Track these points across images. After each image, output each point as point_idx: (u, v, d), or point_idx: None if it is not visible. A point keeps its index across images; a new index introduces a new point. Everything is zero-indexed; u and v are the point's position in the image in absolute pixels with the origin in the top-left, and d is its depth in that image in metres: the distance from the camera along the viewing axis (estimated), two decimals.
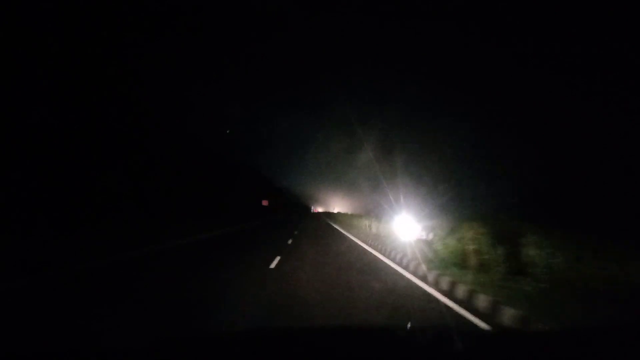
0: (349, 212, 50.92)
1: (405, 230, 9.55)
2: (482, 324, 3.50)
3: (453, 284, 4.94)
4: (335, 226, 24.75)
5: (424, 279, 5.76)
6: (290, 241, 12.31)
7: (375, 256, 8.69)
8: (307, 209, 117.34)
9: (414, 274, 6.21)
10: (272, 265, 6.92)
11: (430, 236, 8.06)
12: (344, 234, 16.81)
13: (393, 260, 7.77)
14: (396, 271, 6.58)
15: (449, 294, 4.76)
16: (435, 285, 5.31)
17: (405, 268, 6.81)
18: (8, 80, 11.01)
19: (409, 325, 3.01)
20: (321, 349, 1.38)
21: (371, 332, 1.79)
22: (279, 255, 8.22)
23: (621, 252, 4.43)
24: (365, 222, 17.77)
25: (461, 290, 4.62)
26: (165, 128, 23.39)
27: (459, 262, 6.05)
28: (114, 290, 5.01)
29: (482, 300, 4.06)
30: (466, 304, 4.24)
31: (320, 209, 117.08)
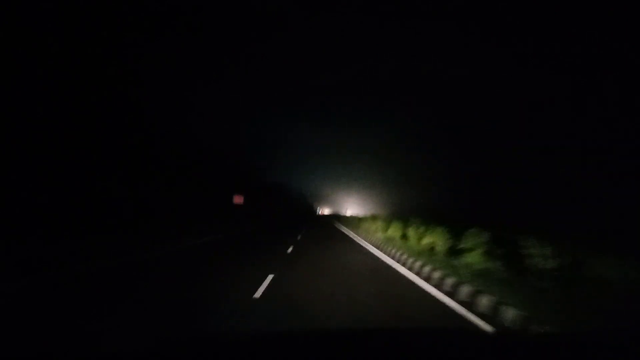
0: (370, 214, 30.65)
1: None
2: (486, 325, 3.48)
3: None
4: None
5: None
6: None
7: None
8: (311, 210, 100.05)
9: None
10: None
11: None
12: None
13: None
14: None
15: None
16: None
17: None
18: (8, 81, 10.98)
19: (409, 327, 3.00)
20: (321, 352, 1.37)
21: (371, 334, 1.78)
22: None
23: None
24: None
25: None
26: (166, 129, 23.36)
27: None
28: (111, 293, 5.00)
29: None
30: None
31: (327, 211, 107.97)
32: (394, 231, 13.72)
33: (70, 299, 4.56)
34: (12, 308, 4.08)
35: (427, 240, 9.80)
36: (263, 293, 5.01)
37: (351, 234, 18.44)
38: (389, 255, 10.05)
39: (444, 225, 9.40)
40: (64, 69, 13.39)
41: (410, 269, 7.84)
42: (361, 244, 13.83)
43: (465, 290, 5.44)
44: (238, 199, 33.06)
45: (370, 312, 4.33)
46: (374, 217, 23.11)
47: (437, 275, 6.62)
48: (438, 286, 5.98)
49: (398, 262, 8.92)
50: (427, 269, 7.28)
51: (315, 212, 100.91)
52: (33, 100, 11.83)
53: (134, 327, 3.54)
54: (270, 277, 6.02)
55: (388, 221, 16.07)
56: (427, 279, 6.64)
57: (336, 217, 51.65)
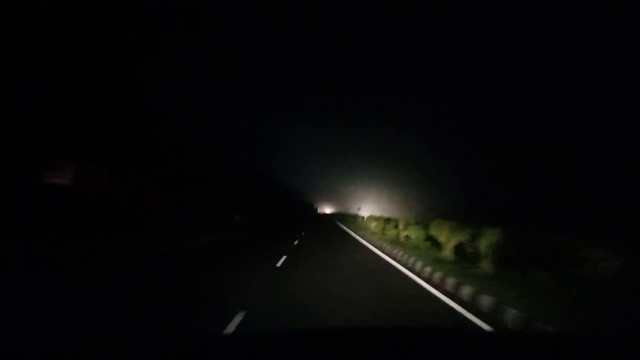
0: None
1: None
2: (485, 325, 3.49)
3: None
4: None
5: None
6: None
7: None
8: (311, 209, 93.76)
9: None
10: None
11: None
12: None
13: None
14: None
15: None
16: None
17: None
18: (13, 81, 11.00)
19: (410, 326, 3.00)
20: (322, 352, 1.38)
21: (373, 334, 1.78)
22: None
23: None
24: None
25: None
26: (168, 128, 23.41)
27: None
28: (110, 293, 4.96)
29: None
30: None
31: (328, 210, 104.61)
32: None
33: (77, 298, 4.55)
34: (13, 308, 4.09)
35: None
36: None
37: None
38: None
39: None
40: (71, 71, 13.45)
41: None
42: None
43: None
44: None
45: None
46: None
47: None
48: None
49: None
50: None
51: (315, 211, 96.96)
52: (36, 101, 11.85)
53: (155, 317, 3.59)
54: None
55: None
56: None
57: (340, 217, 41.59)
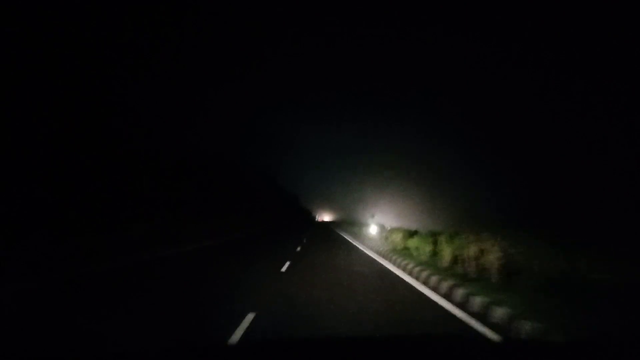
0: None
1: None
2: (491, 333, 3.44)
3: None
4: None
5: None
6: None
7: None
8: (309, 215, 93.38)
9: None
10: None
11: None
12: None
13: None
14: None
15: None
16: None
17: None
18: (15, 83, 11.06)
19: (416, 335, 2.98)
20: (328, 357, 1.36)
21: (379, 342, 1.76)
22: None
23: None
24: None
25: None
26: (167, 129, 23.45)
27: None
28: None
29: None
30: None
31: (327, 217, 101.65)
32: None
33: (86, 299, 4.55)
34: (15, 309, 4.08)
35: None
36: None
37: None
38: None
39: None
40: (68, 72, 13.56)
41: None
42: None
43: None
44: None
45: None
46: None
47: None
48: None
49: None
50: None
51: (313, 218, 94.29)
52: (41, 103, 11.93)
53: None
54: None
55: None
56: None
57: (346, 229, 31.65)
